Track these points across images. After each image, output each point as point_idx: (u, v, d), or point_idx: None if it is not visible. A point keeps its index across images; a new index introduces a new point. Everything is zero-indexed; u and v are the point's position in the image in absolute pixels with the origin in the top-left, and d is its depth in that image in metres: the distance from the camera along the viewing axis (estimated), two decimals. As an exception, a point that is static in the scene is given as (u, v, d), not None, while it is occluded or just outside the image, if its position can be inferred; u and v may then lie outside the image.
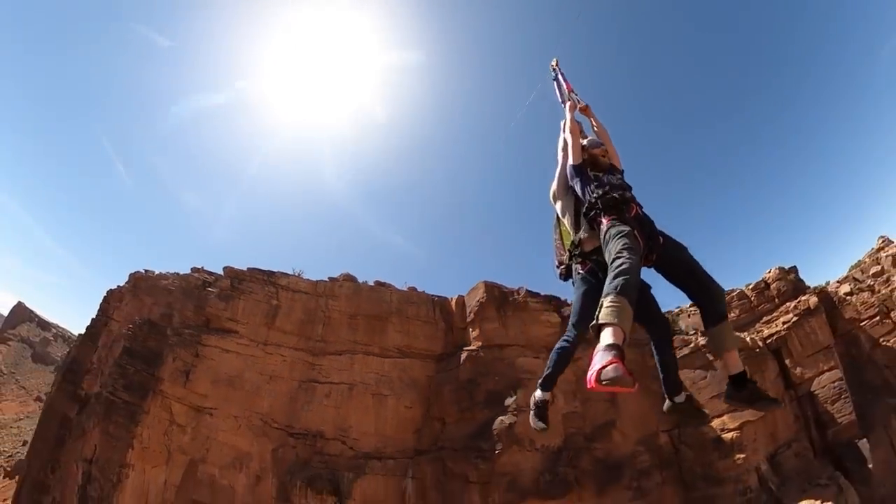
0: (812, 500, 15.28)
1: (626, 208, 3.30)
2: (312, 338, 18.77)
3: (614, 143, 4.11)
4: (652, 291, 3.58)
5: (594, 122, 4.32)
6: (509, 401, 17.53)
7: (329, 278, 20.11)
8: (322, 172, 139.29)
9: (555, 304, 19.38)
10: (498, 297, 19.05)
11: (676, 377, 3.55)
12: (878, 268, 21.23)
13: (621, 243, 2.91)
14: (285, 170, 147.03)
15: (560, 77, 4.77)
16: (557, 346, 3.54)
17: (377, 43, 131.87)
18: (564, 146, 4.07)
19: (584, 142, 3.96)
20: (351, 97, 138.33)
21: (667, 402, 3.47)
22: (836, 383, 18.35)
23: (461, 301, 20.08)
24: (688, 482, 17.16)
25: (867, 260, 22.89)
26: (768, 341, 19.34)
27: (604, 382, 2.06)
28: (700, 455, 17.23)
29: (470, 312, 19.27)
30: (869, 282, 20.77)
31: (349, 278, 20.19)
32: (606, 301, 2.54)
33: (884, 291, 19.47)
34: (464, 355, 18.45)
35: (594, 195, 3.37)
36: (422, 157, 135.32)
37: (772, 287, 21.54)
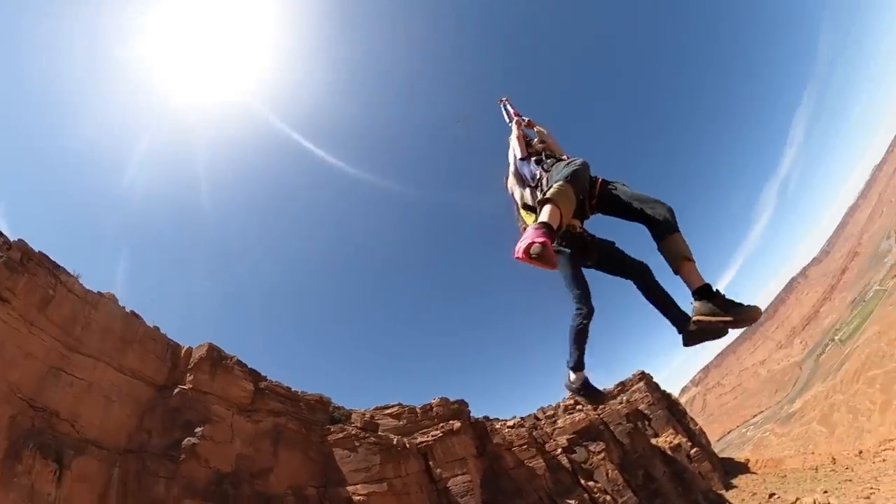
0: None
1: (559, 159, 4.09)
2: (72, 335, 21.52)
3: (556, 139, 5.30)
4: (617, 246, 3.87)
5: (537, 129, 5.56)
6: (198, 430, 25.84)
7: (98, 292, 23.80)
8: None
9: (254, 377, 27.92)
10: (215, 357, 27.85)
11: (677, 308, 3.51)
12: (552, 412, 46.91)
13: (561, 165, 3.56)
14: None
15: (506, 108, 6.20)
16: (573, 325, 3.76)
17: None
18: (513, 149, 4.94)
19: (526, 140, 5.05)
20: None
21: (684, 335, 3.34)
22: (466, 483, 26.49)
23: (189, 351, 27.57)
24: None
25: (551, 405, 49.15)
26: (419, 446, 27.69)
27: (532, 256, 2.42)
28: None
29: (192, 361, 27.31)
30: (538, 418, 46.57)
31: (112, 299, 24.48)
32: (555, 184, 3.02)
33: (547, 430, 41.56)
34: (177, 390, 25.69)
35: (537, 169, 4.13)
36: None
37: (434, 410, 30.81)
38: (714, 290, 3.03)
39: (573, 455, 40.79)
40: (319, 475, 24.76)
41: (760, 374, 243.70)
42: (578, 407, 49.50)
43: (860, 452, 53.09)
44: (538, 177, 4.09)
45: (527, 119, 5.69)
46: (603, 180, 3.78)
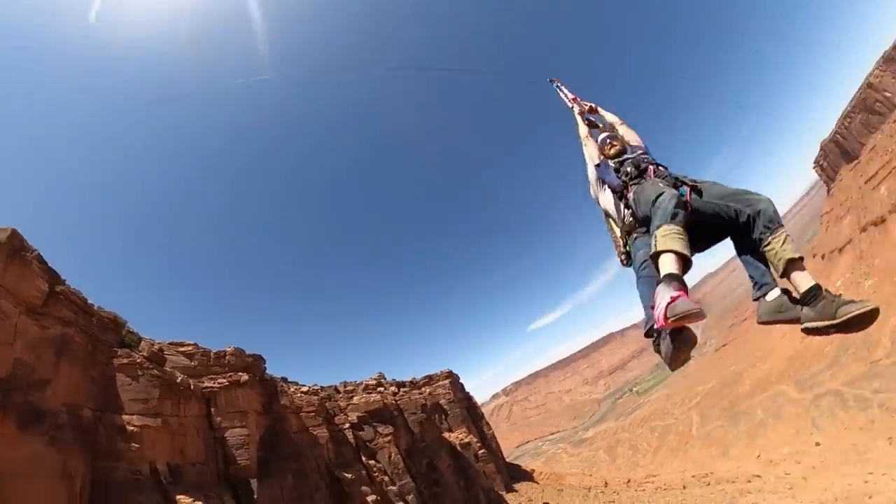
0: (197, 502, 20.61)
1: (644, 171, 3.79)
2: None
3: (629, 124, 4.88)
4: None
5: (606, 118, 5.13)
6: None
7: None
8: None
9: (51, 278, 20.39)
10: (15, 246, 18.68)
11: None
12: (353, 388, 49.19)
13: (647, 192, 3.31)
14: None
15: (562, 91, 5.72)
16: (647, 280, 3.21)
17: None
18: (587, 155, 4.66)
19: (598, 140, 4.63)
20: None
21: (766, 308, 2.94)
22: (244, 437, 26.29)
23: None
24: (96, 452, 19.28)
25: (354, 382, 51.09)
26: (204, 390, 26.45)
27: (671, 319, 2.25)
28: (112, 434, 20.23)
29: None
30: (338, 391, 47.62)
31: None
32: (657, 232, 2.80)
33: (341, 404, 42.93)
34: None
35: (617, 179, 3.91)
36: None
37: (227, 358, 29.81)
38: (823, 290, 2.66)
39: (360, 432, 41.33)
40: (99, 398, 21.74)
41: (564, 400, 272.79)
42: (380, 389, 51.58)
43: (628, 481, 58.81)
44: (621, 190, 3.84)
45: (588, 105, 5.36)
46: (692, 188, 3.39)
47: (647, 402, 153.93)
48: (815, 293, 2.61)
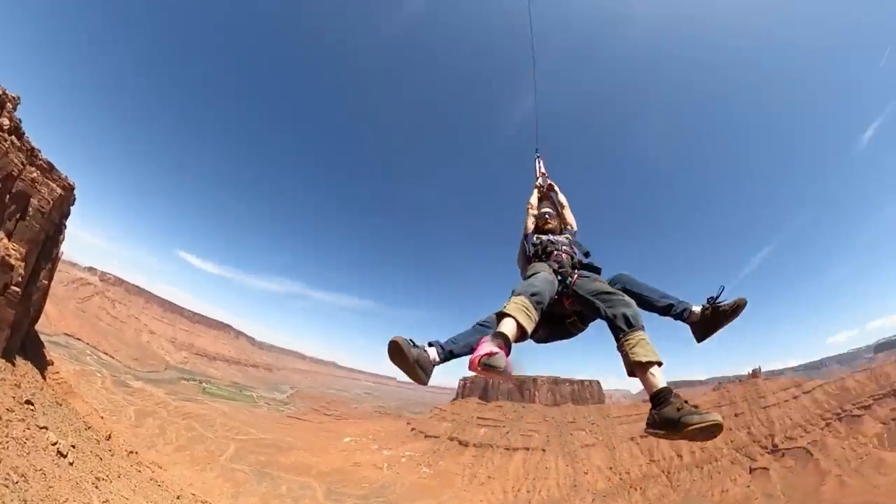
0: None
1: (549, 255, 4.65)
2: None
3: (571, 209, 6.08)
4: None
5: (556, 196, 6.23)
6: None
7: None
8: None
9: None
10: None
11: (662, 297, 4.09)
12: None
13: (534, 268, 4.08)
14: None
15: (538, 165, 6.79)
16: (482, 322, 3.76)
17: None
18: (525, 221, 5.61)
19: (538, 212, 5.72)
20: None
21: (696, 333, 3.82)
22: None
23: None
24: None
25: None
26: None
27: (481, 368, 2.51)
28: None
29: None
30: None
31: None
32: (512, 298, 3.22)
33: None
34: None
35: (532, 248, 4.88)
36: None
37: None
38: (672, 395, 2.90)
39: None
40: None
41: (143, 336, 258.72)
42: None
43: (131, 452, 56.47)
44: (530, 257, 4.82)
45: (548, 182, 6.30)
46: (580, 274, 4.18)
47: (203, 404, 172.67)
48: (663, 397, 2.85)
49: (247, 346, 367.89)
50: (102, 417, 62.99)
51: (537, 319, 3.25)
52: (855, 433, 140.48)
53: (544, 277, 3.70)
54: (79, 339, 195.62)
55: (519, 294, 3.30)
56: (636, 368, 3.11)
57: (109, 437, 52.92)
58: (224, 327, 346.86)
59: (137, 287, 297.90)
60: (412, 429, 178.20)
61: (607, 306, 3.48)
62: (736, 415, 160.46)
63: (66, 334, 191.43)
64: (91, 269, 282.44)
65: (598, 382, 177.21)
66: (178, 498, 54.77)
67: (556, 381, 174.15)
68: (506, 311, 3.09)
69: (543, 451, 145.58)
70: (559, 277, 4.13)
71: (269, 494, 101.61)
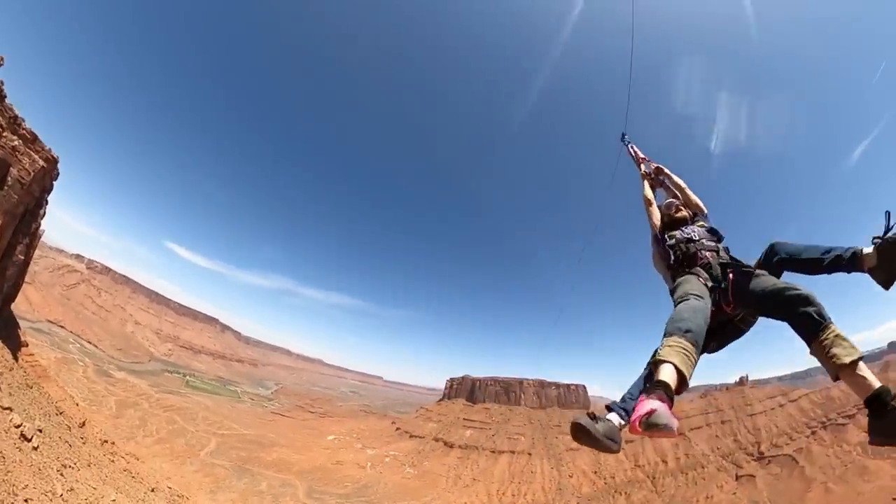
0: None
1: (693, 259, 3.95)
2: None
3: (692, 190, 5.08)
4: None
5: (669, 180, 5.38)
6: None
7: None
8: None
9: None
10: None
11: (825, 252, 3.45)
12: None
13: (682, 288, 3.42)
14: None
15: (632, 150, 6.05)
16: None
17: None
18: (650, 224, 4.89)
19: (664, 204, 4.91)
20: None
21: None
22: None
23: None
24: None
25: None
26: None
27: (643, 429, 2.26)
28: None
29: None
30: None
31: None
32: (665, 340, 2.80)
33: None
34: None
35: (672, 258, 4.10)
36: None
37: None
38: (890, 398, 2.43)
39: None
40: None
41: (127, 326, 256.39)
42: None
43: (106, 442, 54.68)
44: (671, 265, 4.10)
45: (654, 166, 5.51)
46: (739, 273, 3.49)
47: (186, 397, 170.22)
48: (884, 399, 2.41)
49: (233, 340, 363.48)
50: (78, 404, 61.00)
51: (698, 360, 2.80)
52: (840, 441, 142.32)
53: (694, 305, 3.17)
54: (62, 327, 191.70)
55: (671, 334, 2.86)
56: (841, 372, 2.68)
57: (83, 424, 50.77)
58: (210, 321, 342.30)
59: (125, 276, 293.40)
60: (397, 428, 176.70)
61: (786, 307, 3.06)
62: (723, 422, 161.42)
63: (49, 321, 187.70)
64: (78, 257, 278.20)
65: (583, 387, 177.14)
66: (152, 490, 52.77)
67: (542, 385, 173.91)
68: (661, 356, 2.70)
69: (529, 454, 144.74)
70: (712, 284, 3.66)
71: (248, 491, 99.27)
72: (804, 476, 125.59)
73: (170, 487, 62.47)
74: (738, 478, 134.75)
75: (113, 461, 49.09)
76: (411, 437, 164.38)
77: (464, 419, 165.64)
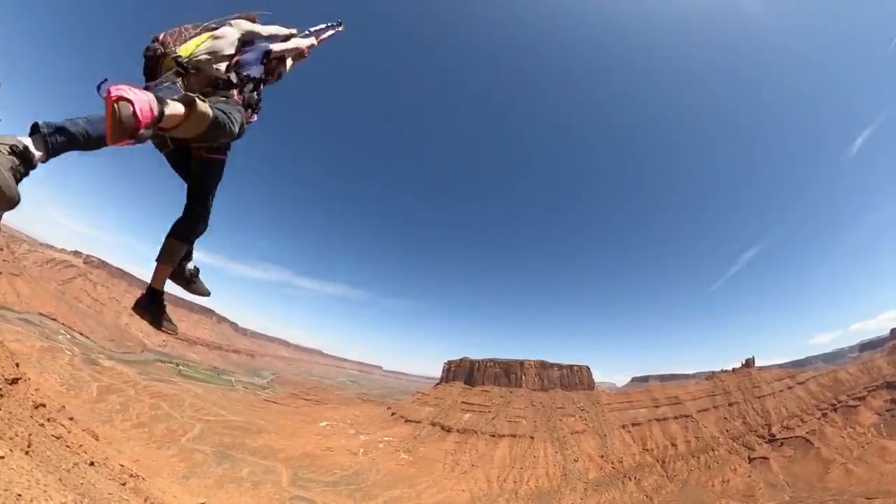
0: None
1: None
2: None
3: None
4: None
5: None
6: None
7: None
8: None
9: None
10: None
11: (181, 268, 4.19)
12: None
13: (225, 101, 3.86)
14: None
15: (327, 30, 6.02)
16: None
17: None
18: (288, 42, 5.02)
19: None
20: None
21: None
22: None
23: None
24: None
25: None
26: None
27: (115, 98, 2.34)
28: None
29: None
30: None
31: None
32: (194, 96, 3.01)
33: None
34: None
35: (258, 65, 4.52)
36: None
37: None
38: (162, 298, 3.42)
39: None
40: None
41: (122, 317, 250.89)
42: None
43: (98, 437, 56.94)
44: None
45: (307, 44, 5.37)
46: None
47: (176, 385, 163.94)
48: (159, 295, 3.29)
49: (229, 331, 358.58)
50: (29, 379, 55.90)
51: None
52: (852, 423, 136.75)
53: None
54: (54, 319, 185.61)
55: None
56: (164, 265, 3.79)
57: (15, 381, 44.72)
58: (206, 312, 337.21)
59: (121, 270, 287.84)
60: (392, 413, 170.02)
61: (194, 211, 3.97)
62: (730, 404, 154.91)
63: (40, 314, 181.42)
64: (76, 253, 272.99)
65: (587, 367, 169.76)
66: (90, 464, 46.03)
67: (544, 366, 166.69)
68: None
69: (531, 438, 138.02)
70: None
71: (226, 477, 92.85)
72: (820, 457, 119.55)
73: (122, 465, 55.51)
74: (751, 460, 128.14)
75: (41, 425, 42.57)
76: (407, 421, 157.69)
77: (462, 402, 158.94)
